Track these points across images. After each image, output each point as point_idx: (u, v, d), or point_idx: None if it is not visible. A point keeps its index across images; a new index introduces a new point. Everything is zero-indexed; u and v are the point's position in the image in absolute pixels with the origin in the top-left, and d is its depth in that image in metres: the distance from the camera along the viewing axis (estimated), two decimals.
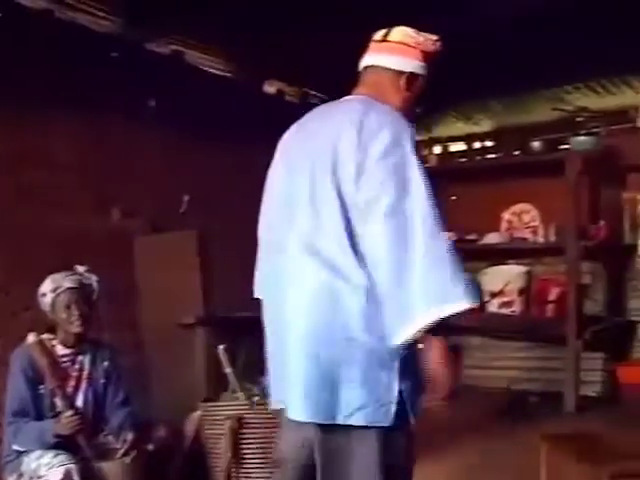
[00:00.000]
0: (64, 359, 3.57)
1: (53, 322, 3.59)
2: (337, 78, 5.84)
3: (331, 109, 2.36)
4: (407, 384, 2.17)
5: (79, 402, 3.55)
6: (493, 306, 6.09)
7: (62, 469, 3.24)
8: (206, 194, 5.50)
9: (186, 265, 5.14)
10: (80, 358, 3.62)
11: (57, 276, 3.59)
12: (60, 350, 3.57)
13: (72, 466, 3.26)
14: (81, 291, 3.60)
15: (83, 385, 3.60)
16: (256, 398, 4.07)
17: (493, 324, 5.67)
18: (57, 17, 4.66)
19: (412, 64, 2.34)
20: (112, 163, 5.09)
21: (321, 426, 2.15)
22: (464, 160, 6.92)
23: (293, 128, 2.45)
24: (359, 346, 2.11)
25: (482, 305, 6.13)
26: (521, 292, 6.25)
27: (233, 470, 3.91)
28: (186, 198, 5.46)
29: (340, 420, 2.12)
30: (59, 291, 3.55)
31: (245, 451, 3.93)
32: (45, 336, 3.56)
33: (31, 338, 3.48)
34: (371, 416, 2.11)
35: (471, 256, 6.06)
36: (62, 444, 3.37)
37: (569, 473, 3.07)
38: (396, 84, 2.34)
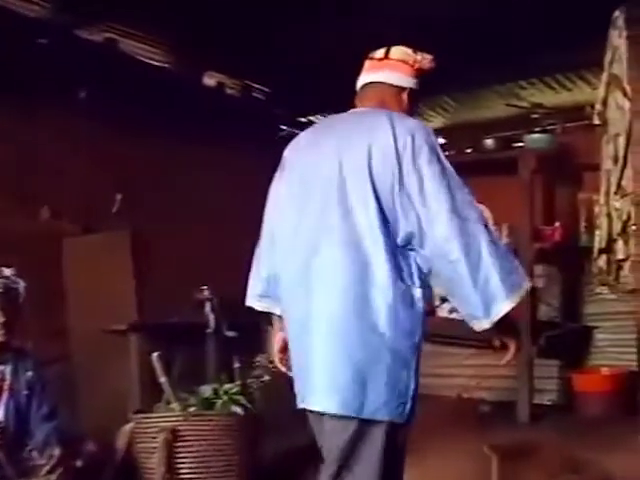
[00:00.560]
0: None
1: None
2: (281, 72, 5.89)
3: (350, 117, 2.58)
4: (416, 383, 2.38)
5: None
6: (443, 311, 6.11)
7: None
8: (141, 192, 5.44)
9: (119, 268, 5.08)
10: (1, 368, 3.54)
11: None
12: None
13: None
14: (6, 296, 3.53)
15: (4, 397, 3.53)
16: (192, 409, 4.03)
17: (443, 330, 5.69)
18: None
19: (411, 81, 2.61)
20: (39, 158, 5.00)
21: (342, 418, 2.33)
22: None
23: (304, 136, 2.67)
24: (386, 345, 2.30)
25: (432, 310, 6.15)
26: None
27: None
28: (119, 196, 5.39)
29: (366, 414, 2.30)
30: None
31: (180, 466, 3.89)
32: None
33: None
34: (392, 412, 2.32)
35: None
36: None
37: None
38: (399, 99, 2.58)
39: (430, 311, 5.98)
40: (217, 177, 5.90)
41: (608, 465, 4.33)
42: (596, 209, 5.07)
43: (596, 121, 4.93)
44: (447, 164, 2.38)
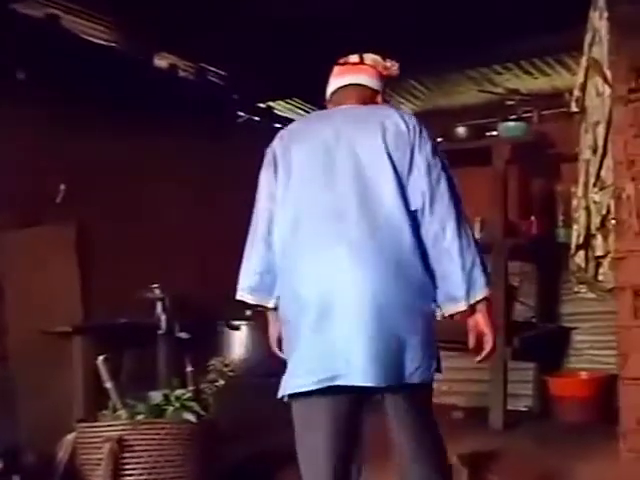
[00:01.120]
0: None
1: None
2: (238, 54, 5.85)
3: (347, 109, 2.89)
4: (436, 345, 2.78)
5: None
6: None
7: None
8: (87, 182, 5.36)
9: (62, 264, 5.03)
10: None
11: None
12: None
13: None
14: None
15: None
16: (141, 416, 4.00)
17: None
18: None
19: (382, 85, 3.00)
20: None
21: (384, 389, 2.64)
22: None
23: (296, 127, 2.97)
24: (421, 311, 2.69)
25: None
26: None
27: None
28: (63, 187, 5.31)
29: (404, 380, 2.63)
30: None
31: (127, 479, 3.85)
32: None
33: None
34: (425, 375, 2.68)
35: None
36: None
37: None
38: (375, 101, 2.95)
39: None
40: (170, 167, 5.84)
41: (585, 475, 4.37)
42: (574, 202, 5.10)
43: (574, 108, 4.95)
44: (445, 162, 2.79)
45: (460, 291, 2.66)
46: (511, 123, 6.05)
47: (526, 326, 6.08)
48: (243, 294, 2.97)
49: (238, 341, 5.78)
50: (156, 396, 4.17)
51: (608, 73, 4.61)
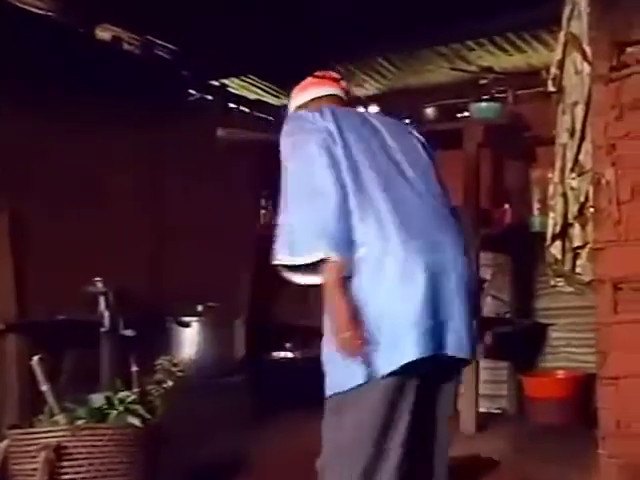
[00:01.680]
0: None
1: None
2: (186, 26, 5.79)
3: (363, 113, 3.61)
4: None
5: None
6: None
7: None
8: (20, 165, 5.29)
9: None
10: None
11: None
12: None
13: None
14: None
15: None
16: (81, 421, 3.95)
17: None
18: None
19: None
20: None
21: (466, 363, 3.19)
22: None
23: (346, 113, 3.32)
24: (473, 284, 3.17)
25: None
26: None
27: None
28: None
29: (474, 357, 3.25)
30: None
31: None
32: None
33: None
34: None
35: None
36: None
37: None
38: None
39: None
40: (113, 150, 5.78)
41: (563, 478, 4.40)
42: (550, 189, 5.11)
43: (551, 88, 4.96)
44: None
45: None
46: (484, 104, 6.06)
47: (499, 322, 6.10)
48: (314, 253, 3.00)
49: (188, 339, 5.77)
50: (98, 399, 4.13)
51: (588, 49, 4.61)
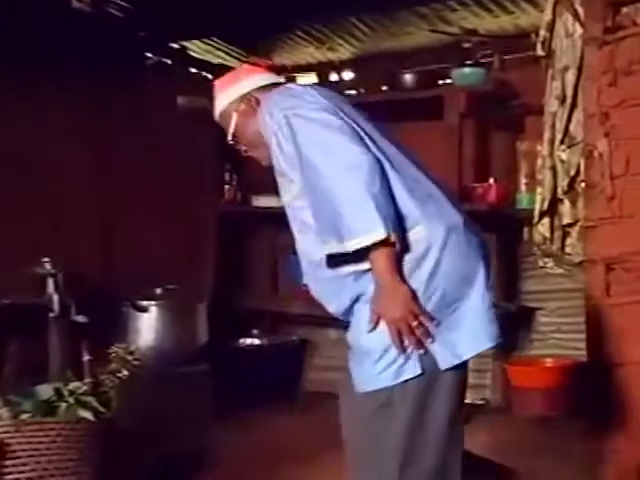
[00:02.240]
0: None
1: None
2: None
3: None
4: None
5: None
6: None
7: None
8: None
9: None
10: None
11: None
12: None
13: None
14: None
15: None
16: (26, 415, 3.91)
17: None
18: None
19: None
20: None
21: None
22: None
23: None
24: None
25: None
26: None
27: None
28: None
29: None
30: None
31: None
32: None
33: None
34: None
35: None
36: None
37: None
38: None
39: None
40: (63, 118, 5.73)
41: (548, 476, 4.41)
42: (539, 162, 5.11)
43: (540, 51, 4.95)
44: None
45: None
46: (467, 69, 6.05)
47: None
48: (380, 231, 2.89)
49: (145, 325, 5.73)
50: (45, 391, 4.07)
51: (580, 10, 4.61)
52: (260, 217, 6.75)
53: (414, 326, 2.79)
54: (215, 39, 6.91)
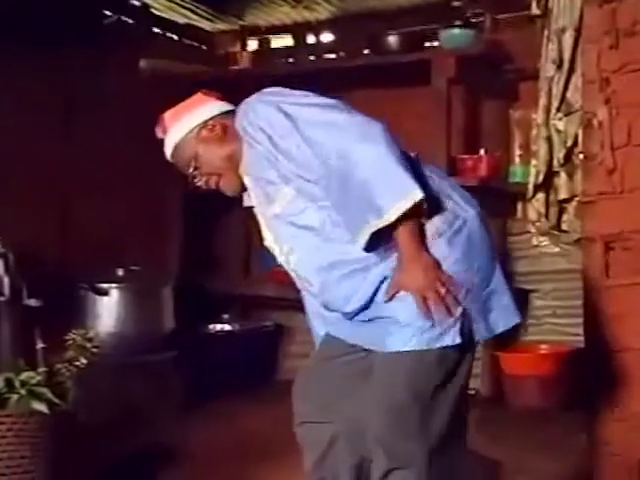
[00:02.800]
0: None
1: None
2: None
3: None
4: None
5: None
6: None
7: None
8: None
9: None
10: None
11: None
12: None
13: None
14: None
15: None
16: None
17: None
18: None
19: None
20: None
21: None
22: (291, 62, 6.87)
23: None
24: None
25: None
26: None
27: None
28: None
29: None
30: None
31: None
32: None
33: None
34: None
35: None
36: None
37: None
38: None
39: None
40: (13, 83, 5.68)
41: (544, 473, 4.42)
42: (533, 131, 5.11)
43: (535, 10, 4.95)
44: None
45: None
46: (456, 30, 6.03)
47: None
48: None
49: (106, 309, 5.73)
50: None
51: None
52: None
53: (442, 293, 2.86)
54: None
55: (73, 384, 4.19)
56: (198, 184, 3.30)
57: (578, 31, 4.61)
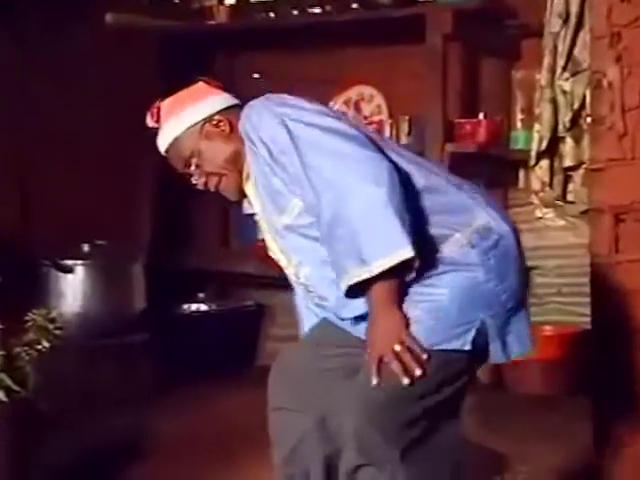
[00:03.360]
0: None
1: None
2: None
3: None
4: None
5: None
6: None
7: None
8: None
9: None
10: None
11: None
12: None
13: None
14: None
15: None
16: None
17: None
18: None
19: None
20: None
21: None
22: (272, 17, 6.83)
23: None
24: None
25: None
26: None
27: None
28: None
29: None
30: None
31: None
32: None
33: None
34: None
35: None
36: None
37: None
38: None
39: None
40: None
41: (547, 462, 4.43)
42: (537, 93, 5.10)
43: None
44: None
45: None
46: None
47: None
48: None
49: (70, 288, 5.72)
50: None
51: None
52: None
53: (402, 356, 2.84)
54: None
55: (33, 369, 4.17)
56: (195, 184, 3.29)
57: None
